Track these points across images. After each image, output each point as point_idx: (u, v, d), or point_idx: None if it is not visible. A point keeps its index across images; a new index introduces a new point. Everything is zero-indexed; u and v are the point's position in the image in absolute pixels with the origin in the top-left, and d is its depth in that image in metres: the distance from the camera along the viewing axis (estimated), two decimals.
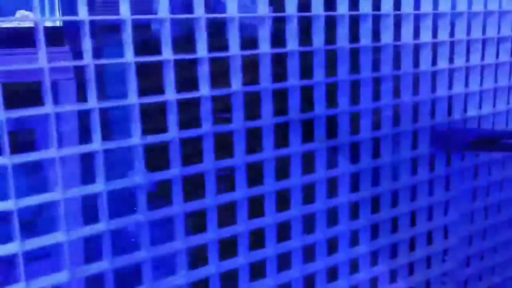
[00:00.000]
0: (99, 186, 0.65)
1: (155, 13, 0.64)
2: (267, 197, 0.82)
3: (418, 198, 1.00)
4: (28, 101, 0.61)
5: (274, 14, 0.75)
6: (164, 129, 0.70)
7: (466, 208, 1.08)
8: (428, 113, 0.98)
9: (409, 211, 0.99)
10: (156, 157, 0.74)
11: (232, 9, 0.70)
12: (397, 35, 0.93)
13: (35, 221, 0.88)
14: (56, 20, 0.83)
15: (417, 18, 0.94)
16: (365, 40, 0.86)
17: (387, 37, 0.90)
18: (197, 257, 0.81)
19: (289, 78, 0.79)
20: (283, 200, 0.85)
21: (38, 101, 0.61)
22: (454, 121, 1.02)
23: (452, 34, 0.99)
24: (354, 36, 0.86)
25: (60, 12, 0.87)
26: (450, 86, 1.01)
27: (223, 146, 0.78)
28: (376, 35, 0.89)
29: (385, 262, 0.98)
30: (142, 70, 0.66)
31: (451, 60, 1.00)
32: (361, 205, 0.93)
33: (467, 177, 1.07)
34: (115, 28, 0.66)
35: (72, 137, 0.71)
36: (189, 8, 0.69)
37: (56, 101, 0.76)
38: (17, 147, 0.61)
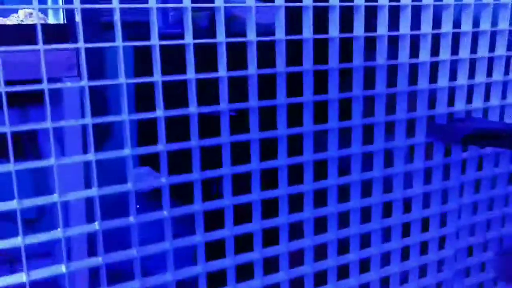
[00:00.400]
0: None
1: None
2: (280, 199, 0.91)
3: (414, 186, 1.03)
4: (31, 99, 0.68)
5: (262, 4, 0.80)
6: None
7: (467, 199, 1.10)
8: (426, 103, 1.00)
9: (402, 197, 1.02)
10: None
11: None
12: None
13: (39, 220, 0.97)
14: (50, 8, 0.91)
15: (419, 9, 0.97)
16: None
17: (383, 29, 0.93)
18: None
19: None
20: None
21: (41, 99, 0.69)
22: (454, 113, 1.03)
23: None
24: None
25: (64, 11, 0.94)
26: (453, 77, 1.03)
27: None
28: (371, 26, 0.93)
29: (377, 245, 1.02)
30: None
31: (455, 51, 1.02)
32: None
33: (469, 167, 1.09)
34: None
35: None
36: None
37: (59, 99, 0.84)
38: (19, 145, 0.69)
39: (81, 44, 0.69)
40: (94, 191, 0.75)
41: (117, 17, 0.70)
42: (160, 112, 0.77)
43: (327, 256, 0.98)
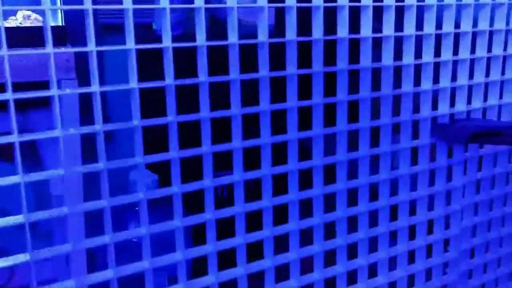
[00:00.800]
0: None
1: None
2: (290, 205, 0.89)
3: (418, 188, 1.03)
4: (32, 101, 0.65)
5: (273, 5, 0.78)
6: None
7: (469, 199, 1.09)
8: (430, 104, 1.00)
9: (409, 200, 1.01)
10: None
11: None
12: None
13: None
14: (58, 8, 0.87)
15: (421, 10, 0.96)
16: (366, 31, 0.89)
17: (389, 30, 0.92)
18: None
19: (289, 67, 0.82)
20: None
21: (43, 101, 0.65)
22: (456, 113, 1.03)
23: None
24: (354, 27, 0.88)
25: (63, 12, 0.90)
26: (454, 78, 1.03)
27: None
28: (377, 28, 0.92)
29: (384, 249, 1.00)
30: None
31: (455, 52, 1.02)
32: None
33: (470, 168, 1.08)
34: (118, 27, 0.69)
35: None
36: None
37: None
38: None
39: (92, 48, 0.65)
40: (104, 202, 0.72)
41: (129, 19, 0.66)
42: (171, 118, 0.73)
43: (335, 262, 0.96)
